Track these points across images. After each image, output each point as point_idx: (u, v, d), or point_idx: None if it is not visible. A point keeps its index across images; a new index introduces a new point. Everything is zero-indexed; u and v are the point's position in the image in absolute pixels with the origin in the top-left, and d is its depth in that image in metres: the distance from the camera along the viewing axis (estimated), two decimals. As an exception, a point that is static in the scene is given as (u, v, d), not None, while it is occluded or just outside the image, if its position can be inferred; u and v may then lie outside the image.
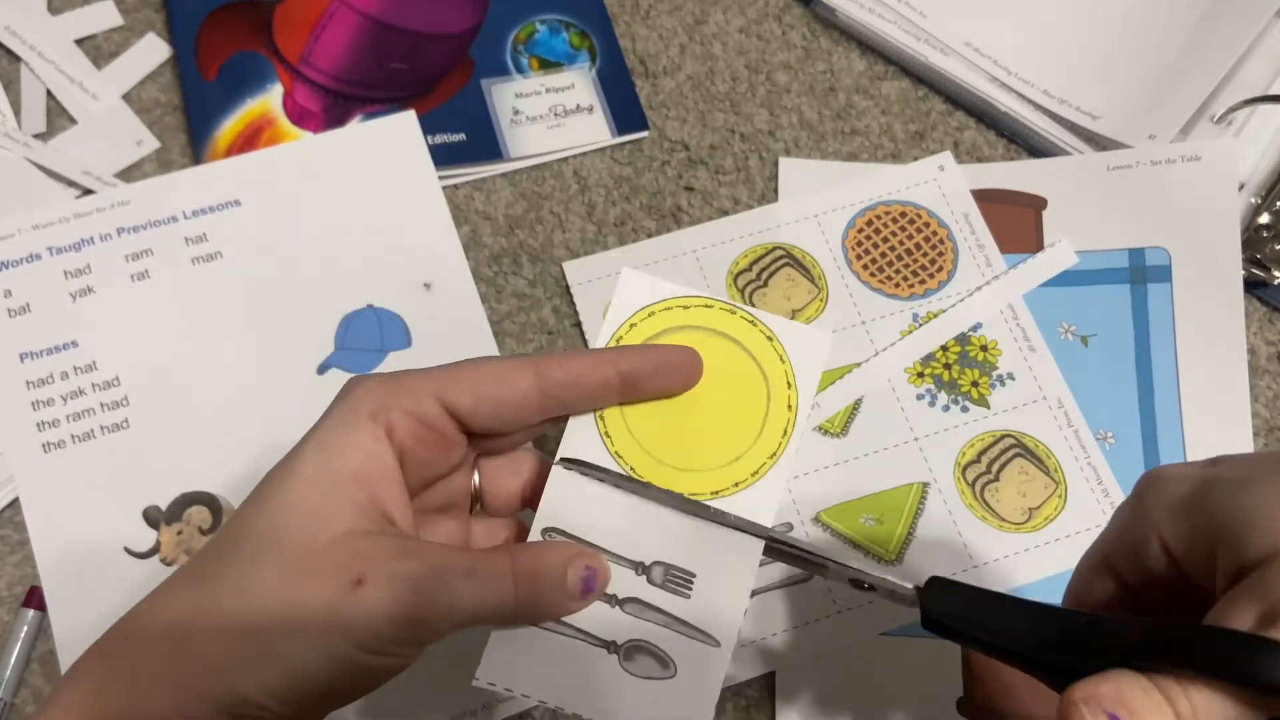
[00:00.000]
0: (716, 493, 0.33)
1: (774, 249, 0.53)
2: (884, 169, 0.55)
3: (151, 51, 0.55)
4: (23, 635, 0.44)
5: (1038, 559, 0.47)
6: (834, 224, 0.53)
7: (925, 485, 0.48)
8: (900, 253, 0.53)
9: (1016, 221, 0.54)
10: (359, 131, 0.54)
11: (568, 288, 0.52)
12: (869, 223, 0.54)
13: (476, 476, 0.34)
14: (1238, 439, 0.49)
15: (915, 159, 0.56)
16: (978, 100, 0.56)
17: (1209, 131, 0.55)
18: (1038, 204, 0.54)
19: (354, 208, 0.52)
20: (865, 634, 0.45)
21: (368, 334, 0.50)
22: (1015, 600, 0.28)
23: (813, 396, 0.35)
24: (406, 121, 0.54)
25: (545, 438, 0.36)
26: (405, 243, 0.52)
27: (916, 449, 0.49)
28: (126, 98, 0.54)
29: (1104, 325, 0.51)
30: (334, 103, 0.54)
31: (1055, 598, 0.31)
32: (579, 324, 0.52)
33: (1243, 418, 0.50)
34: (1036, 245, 0.53)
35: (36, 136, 0.52)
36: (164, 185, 0.51)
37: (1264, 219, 0.53)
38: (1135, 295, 0.52)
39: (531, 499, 0.34)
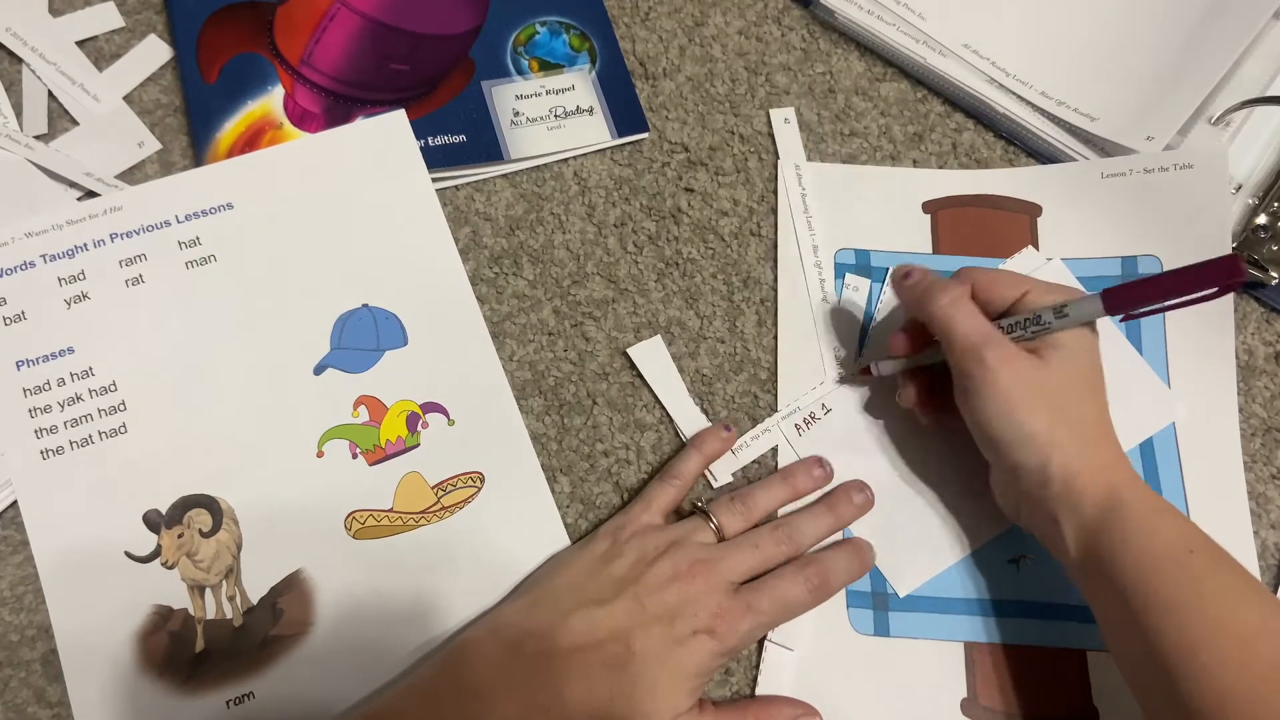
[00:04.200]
0: None
1: None
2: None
3: (153, 53, 0.55)
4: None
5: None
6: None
7: None
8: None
9: (1011, 228, 0.54)
10: (349, 132, 0.54)
11: (568, 290, 0.52)
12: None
13: None
14: (1227, 443, 0.49)
15: (914, 161, 0.56)
16: (976, 102, 0.57)
17: (1207, 133, 0.55)
18: (1032, 211, 0.54)
19: (346, 207, 0.52)
20: None
21: (364, 333, 0.50)
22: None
23: None
24: (397, 121, 0.54)
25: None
26: (399, 240, 0.52)
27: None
28: (128, 99, 0.54)
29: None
30: (335, 104, 0.54)
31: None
32: (579, 325, 0.52)
33: (1231, 422, 0.50)
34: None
35: (38, 138, 0.52)
36: (157, 190, 0.51)
37: (1261, 220, 0.53)
38: None
39: None
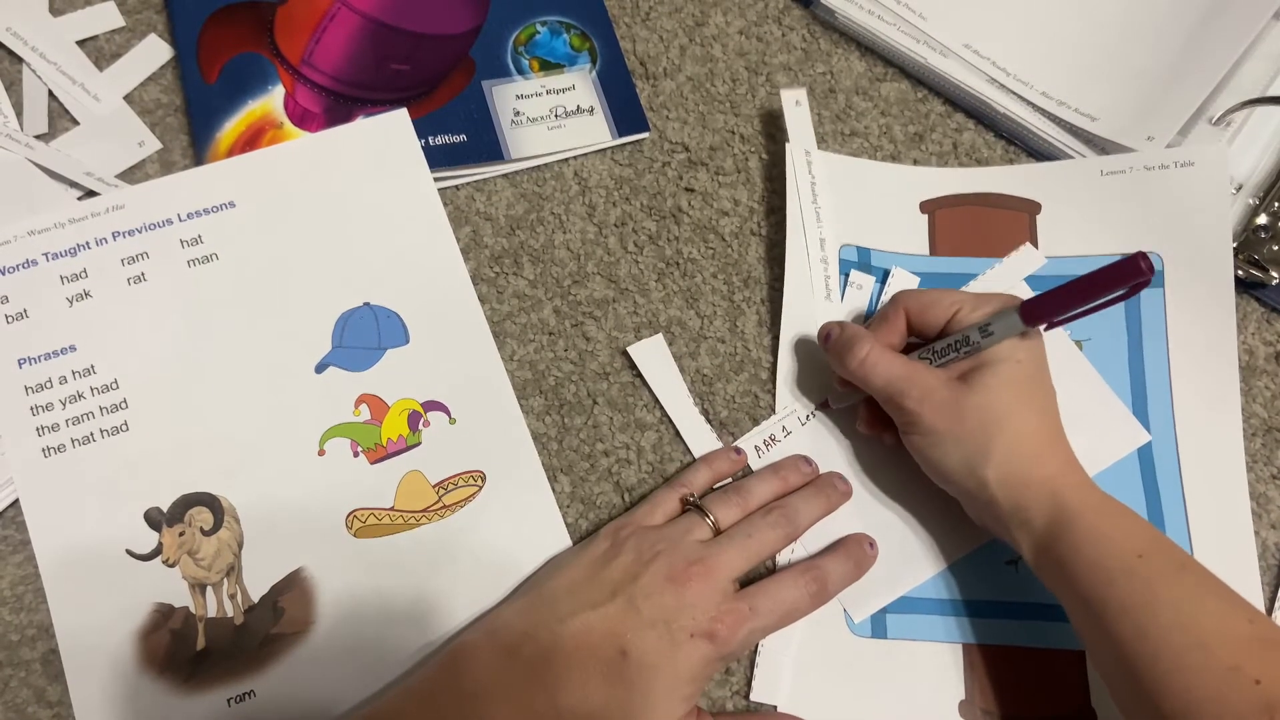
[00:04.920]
0: None
1: None
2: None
3: (153, 53, 0.55)
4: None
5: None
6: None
7: None
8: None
9: (1010, 225, 0.54)
10: (351, 131, 0.54)
11: (568, 289, 0.53)
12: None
13: None
14: (1229, 441, 0.49)
15: (914, 161, 0.56)
16: (977, 102, 0.57)
17: (1207, 133, 0.55)
18: (1032, 208, 0.54)
19: (348, 206, 0.52)
20: None
21: (365, 332, 0.50)
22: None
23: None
24: (398, 120, 0.54)
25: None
26: (400, 239, 0.52)
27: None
28: (128, 99, 0.54)
29: (1098, 330, 0.51)
30: (335, 104, 0.54)
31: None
32: (579, 325, 0.52)
33: (1234, 420, 0.50)
34: (1033, 249, 0.54)
35: (38, 137, 0.52)
36: (159, 188, 0.51)
37: (1261, 220, 0.53)
38: (1128, 300, 0.52)
39: None
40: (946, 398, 0.43)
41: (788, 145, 0.54)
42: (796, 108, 0.55)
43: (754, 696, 0.45)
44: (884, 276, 0.53)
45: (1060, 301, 0.41)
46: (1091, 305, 0.42)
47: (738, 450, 0.49)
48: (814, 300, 0.52)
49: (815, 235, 0.52)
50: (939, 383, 0.43)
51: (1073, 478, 0.42)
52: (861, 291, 0.52)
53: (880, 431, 0.48)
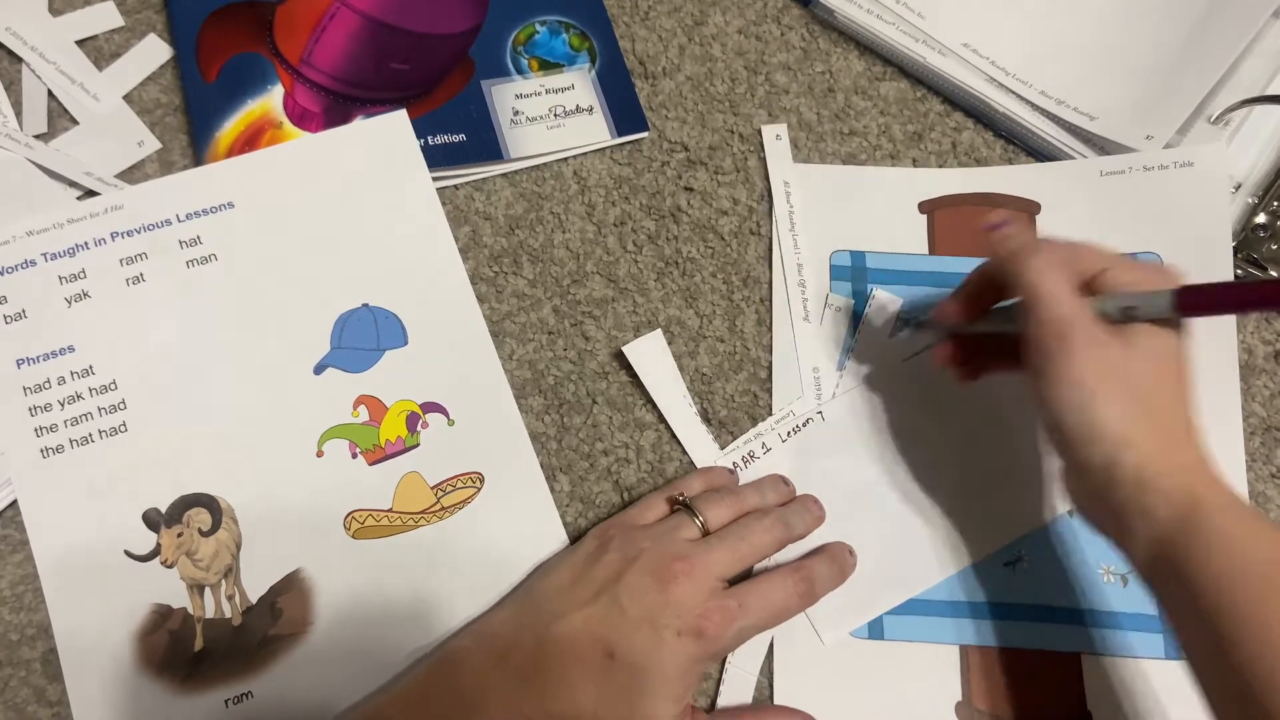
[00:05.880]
0: None
1: None
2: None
3: (152, 52, 0.55)
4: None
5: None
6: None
7: None
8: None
9: (1010, 225, 0.54)
10: (350, 131, 0.54)
11: (567, 289, 0.53)
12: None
13: None
14: (1229, 442, 0.49)
15: (913, 160, 0.56)
16: (976, 101, 0.57)
17: (1206, 132, 0.55)
18: (1031, 209, 0.54)
19: (346, 207, 0.52)
20: None
21: (364, 333, 0.50)
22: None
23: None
24: (398, 120, 0.54)
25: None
26: (399, 240, 0.52)
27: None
28: (128, 99, 0.54)
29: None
30: (335, 103, 0.54)
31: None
32: (579, 324, 0.52)
33: (1234, 421, 0.50)
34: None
35: (38, 137, 0.52)
36: (158, 189, 0.51)
37: (1260, 219, 0.53)
38: None
39: None
40: (1110, 352, 0.38)
41: (769, 176, 0.55)
42: (777, 142, 0.56)
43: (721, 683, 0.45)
44: (878, 278, 0.53)
45: (1226, 299, 0.37)
46: (1251, 311, 0.38)
47: (730, 470, 0.49)
48: (791, 322, 0.52)
49: (793, 261, 0.53)
50: (1105, 334, 0.38)
51: (1210, 472, 0.38)
52: (840, 313, 0.52)
53: (960, 365, 0.46)
